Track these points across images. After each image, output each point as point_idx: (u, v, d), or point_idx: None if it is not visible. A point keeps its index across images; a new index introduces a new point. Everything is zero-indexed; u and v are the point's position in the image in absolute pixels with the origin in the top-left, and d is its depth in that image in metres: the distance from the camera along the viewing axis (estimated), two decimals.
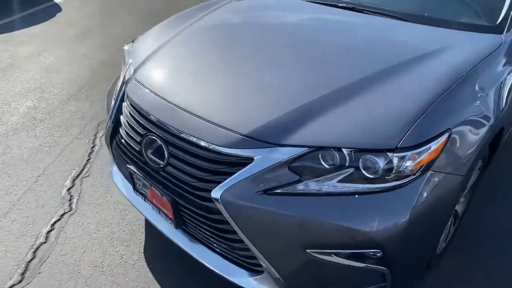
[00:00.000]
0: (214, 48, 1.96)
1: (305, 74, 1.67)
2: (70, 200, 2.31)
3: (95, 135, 2.93)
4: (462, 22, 2.00)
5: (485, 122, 1.60)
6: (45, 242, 2.03)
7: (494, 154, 2.08)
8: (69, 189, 2.40)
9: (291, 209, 1.33)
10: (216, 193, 1.38)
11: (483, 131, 1.58)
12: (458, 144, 1.44)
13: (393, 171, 1.31)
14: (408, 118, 1.37)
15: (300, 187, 1.34)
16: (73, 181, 2.46)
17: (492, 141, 1.80)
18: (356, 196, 1.30)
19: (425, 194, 1.35)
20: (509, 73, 1.83)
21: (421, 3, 2.22)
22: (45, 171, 2.54)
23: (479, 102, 1.59)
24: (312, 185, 1.34)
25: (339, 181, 1.33)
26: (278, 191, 1.35)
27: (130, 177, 1.77)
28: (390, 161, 1.30)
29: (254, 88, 1.62)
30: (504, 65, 1.81)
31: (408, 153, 1.31)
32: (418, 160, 1.33)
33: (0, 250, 1.98)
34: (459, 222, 2.10)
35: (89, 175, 2.52)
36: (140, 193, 1.76)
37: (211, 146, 1.42)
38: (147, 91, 1.71)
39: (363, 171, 1.32)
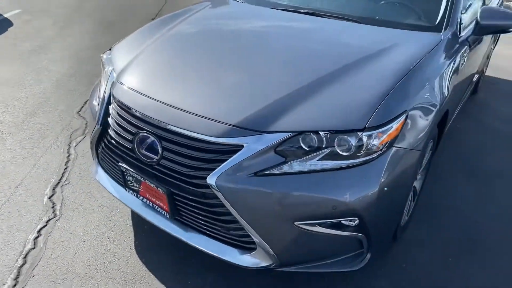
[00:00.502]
0: (191, 51, 2.12)
1: (278, 72, 1.87)
2: (53, 207, 2.34)
3: (69, 144, 2.95)
4: (407, 23, 2.31)
5: (433, 105, 1.89)
6: (34, 248, 2.06)
7: (441, 137, 2.40)
8: (50, 197, 2.42)
9: (279, 187, 1.52)
10: (211, 179, 1.53)
11: (432, 113, 1.86)
12: (414, 124, 1.70)
13: (363, 148, 1.53)
14: (371, 103, 1.61)
15: (286, 167, 1.53)
16: (53, 189, 2.48)
17: (440, 122, 2.10)
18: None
19: (391, 167, 1.59)
20: (448, 65, 2.16)
21: (372, 8, 2.53)
22: (22, 182, 2.54)
23: (427, 89, 1.87)
24: (296, 165, 1.54)
25: (319, 160, 1.54)
26: (267, 172, 1.52)
27: (121, 175, 1.87)
28: (360, 140, 1.53)
29: (234, 85, 1.80)
30: (444, 58, 2.13)
31: (375, 132, 1.55)
32: (383, 137, 1.56)
33: None
34: (417, 199, 2.39)
35: (68, 182, 2.55)
36: (132, 189, 1.86)
37: (203, 137, 1.57)
38: (135, 92, 1.83)
39: (338, 150, 1.53)
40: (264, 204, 1.53)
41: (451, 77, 2.19)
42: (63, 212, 2.31)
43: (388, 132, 1.58)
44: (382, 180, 1.56)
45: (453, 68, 2.23)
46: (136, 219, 2.27)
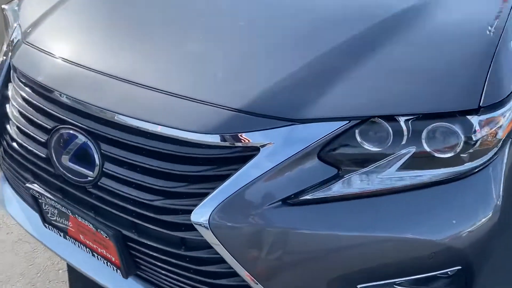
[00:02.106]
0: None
1: (297, 21, 1.13)
2: None
3: None
4: None
5: None
6: None
7: None
8: None
9: (331, 224, 0.81)
10: (199, 215, 0.81)
11: None
12: None
13: (477, 144, 0.85)
14: (475, 67, 0.93)
15: (339, 186, 0.82)
16: None
17: None
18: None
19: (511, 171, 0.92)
20: None
21: None
22: None
23: None
24: (357, 181, 0.83)
25: (398, 170, 0.84)
26: (306, 197, 0.81)
27: (35, 203, 1.08)
28: (473, 129, 0.84)
29: (229, 41, 1.04)
30: None
31: (494, 114, 0.87)
32: (507, 122, 0.89)
33: None
34: None
35: None
36: (56, 226, 1.08)
37: (184, 134, 0.82)
38: (53, 58, 1.04)
39: (430, 149, 0.84)
40: (303, 259, 0.82)
41: None
42: None
43: (509, 115, 0.91)
44: (501, 196, 0.88)
45: None
46: None
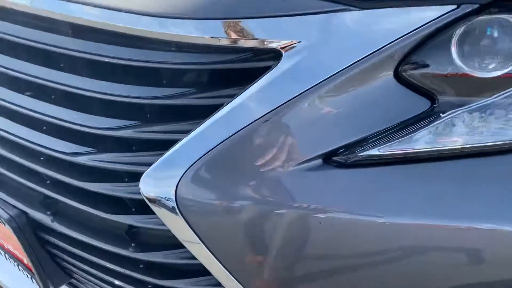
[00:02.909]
0: None
1: None
2: None
3: None
4: None
5: None
6: None
7: None
8: None
9: (423, 206, 0.41)
10: (156, 182, 0.41)
11: None
12: None
13: None
14: None
15: (431, 133, 0.42)
16: None
17: None
18: None
19: None
20: None
21: None
22: None
23: None
24: (465, 124, 0.43)
25: None
26: (370, 152, 0.41)
27: None
28: None
29: None
30: None
31: None
32: None
33: None
34: None
35: None
36: None
37: (142, 24, 0.42)
38: None
39: None
40: (369, 272, 0.42)
41: None
42: None
43: None
44: None
45: None
46: None
